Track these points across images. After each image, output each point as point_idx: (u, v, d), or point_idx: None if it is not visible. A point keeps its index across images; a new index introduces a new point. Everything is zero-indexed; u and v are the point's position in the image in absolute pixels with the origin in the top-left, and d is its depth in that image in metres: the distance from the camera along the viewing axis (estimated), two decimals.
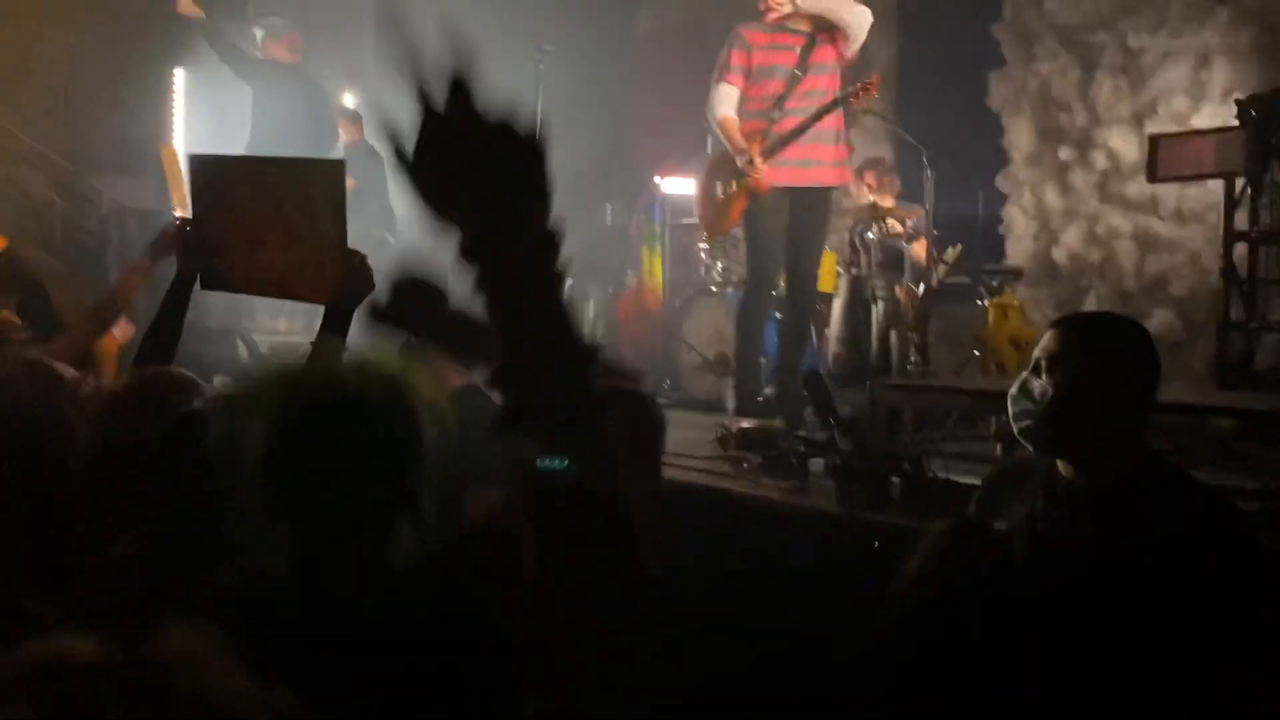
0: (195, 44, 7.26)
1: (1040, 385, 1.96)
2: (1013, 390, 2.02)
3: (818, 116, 4.43)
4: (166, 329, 2.40)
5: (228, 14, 6.97)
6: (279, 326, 6.37)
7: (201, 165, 2.54)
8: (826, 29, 4.48)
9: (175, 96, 7.91)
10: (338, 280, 2.14)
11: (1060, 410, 1.94)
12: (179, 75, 7.90)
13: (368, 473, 1.27)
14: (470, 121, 0.75)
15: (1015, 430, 2.02)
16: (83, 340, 2.76)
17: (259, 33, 6.68)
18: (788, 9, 4.43)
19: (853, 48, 4.50)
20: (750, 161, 4.43)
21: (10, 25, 7.53)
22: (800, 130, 4.44)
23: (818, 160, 4.52)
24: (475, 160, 0.75)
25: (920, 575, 0.75)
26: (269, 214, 2.29)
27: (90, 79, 7.91)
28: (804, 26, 4.50)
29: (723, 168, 4.73)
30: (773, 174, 4.45)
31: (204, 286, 2.46)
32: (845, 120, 4.72)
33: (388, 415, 1.29)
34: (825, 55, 4.49)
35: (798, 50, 4.48)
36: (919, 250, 5.54)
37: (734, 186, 4.63)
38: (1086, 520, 1.82)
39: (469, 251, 0.77)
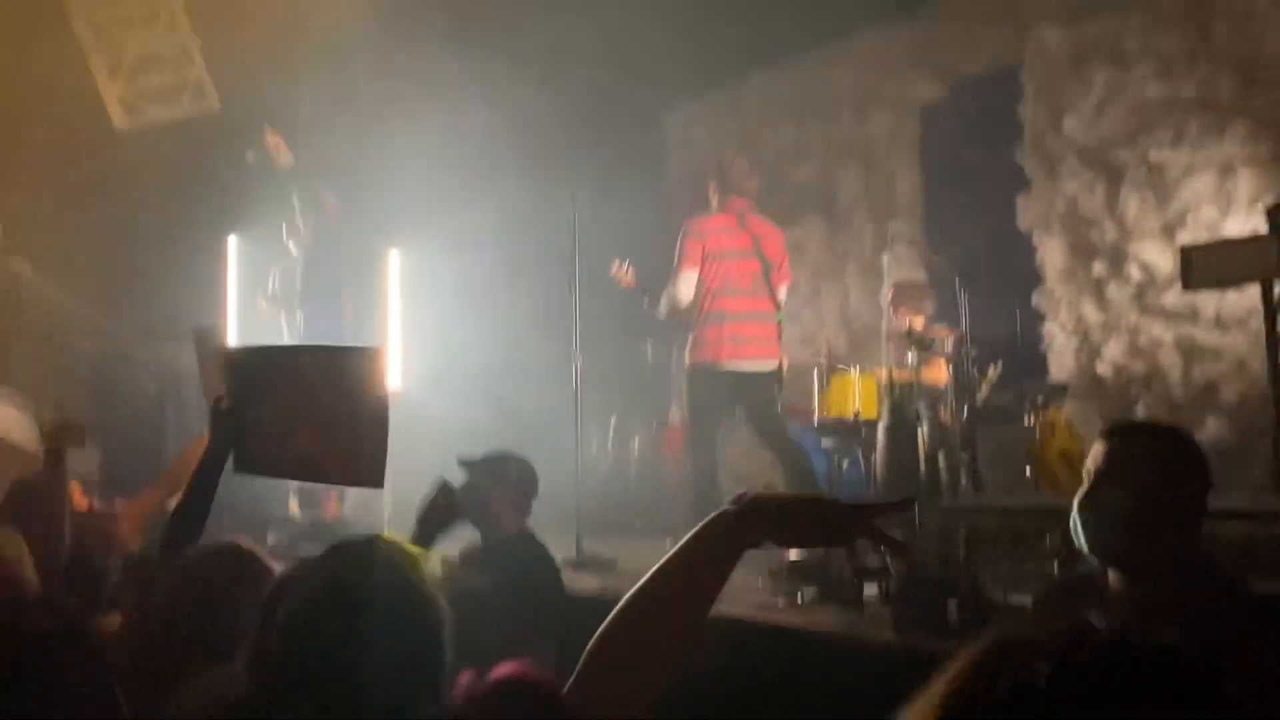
0: (250, 210, 7.60)
1: (1110, 497, 1.94)
2: (1079, 502, 1.97)
3: None
4: (195, 509, 2.33)
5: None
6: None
7: (235, 355, 2.57)
8: None
9: (228, 262, 8.25)
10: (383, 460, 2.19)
11: (1132, 521, 1.92)
12: (232, 241, 8.26)
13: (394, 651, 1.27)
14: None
15: (1084, 544, 1.96)
16: (149, 505, 2.82)
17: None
18: None
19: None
20: None
21: (71, 199, 7.93)
22: None
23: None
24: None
25: (953, 693, 0.76)
26: (304, 400, 2.31)
27: (147, 249, 8.25)
28: None
29: None
30: None
31: (236, 470, 2.43)
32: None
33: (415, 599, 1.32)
34: None
35: None
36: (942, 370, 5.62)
37: None
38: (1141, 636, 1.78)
39: None
